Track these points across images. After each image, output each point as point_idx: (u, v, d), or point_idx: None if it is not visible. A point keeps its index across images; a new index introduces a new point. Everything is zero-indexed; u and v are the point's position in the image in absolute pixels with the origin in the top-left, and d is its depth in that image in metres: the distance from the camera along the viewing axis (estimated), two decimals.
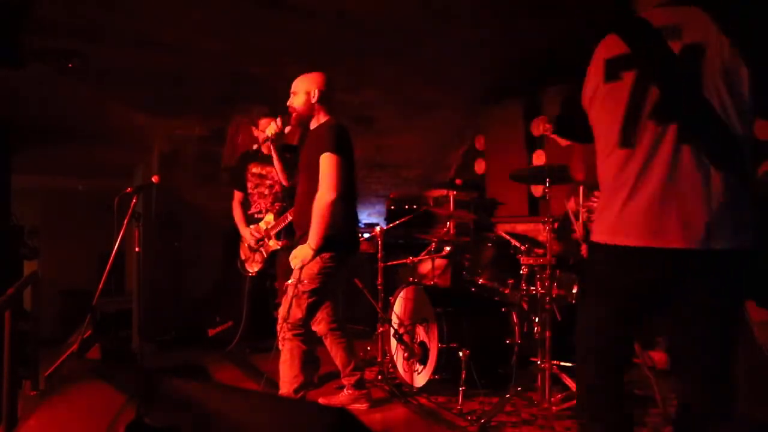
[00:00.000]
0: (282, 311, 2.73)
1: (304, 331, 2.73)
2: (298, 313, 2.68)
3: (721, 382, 1.52)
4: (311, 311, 2.75)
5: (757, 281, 1.59)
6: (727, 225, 1.44)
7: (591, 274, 1.74)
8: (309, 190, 2.69)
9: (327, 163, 2.59)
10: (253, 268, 3.74)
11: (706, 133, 1.45)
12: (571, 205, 3.84)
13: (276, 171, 3.16)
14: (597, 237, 1.65)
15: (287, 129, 2.88)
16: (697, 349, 1.53)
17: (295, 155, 3.08)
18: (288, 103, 2.80)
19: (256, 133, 3.77)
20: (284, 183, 3.16)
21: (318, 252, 2.62)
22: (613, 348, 1.67)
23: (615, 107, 1.56)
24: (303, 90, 2.76)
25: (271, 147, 2.99)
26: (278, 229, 3.56)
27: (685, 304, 1.52)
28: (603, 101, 1.61)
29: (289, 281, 2.70)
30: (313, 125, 2.82)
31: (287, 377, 2.71)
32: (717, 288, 1.48)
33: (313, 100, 2.75)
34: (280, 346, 2.75)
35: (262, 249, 3.67)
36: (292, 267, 2.69)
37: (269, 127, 2.90)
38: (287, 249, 3.59)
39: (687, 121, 1.47)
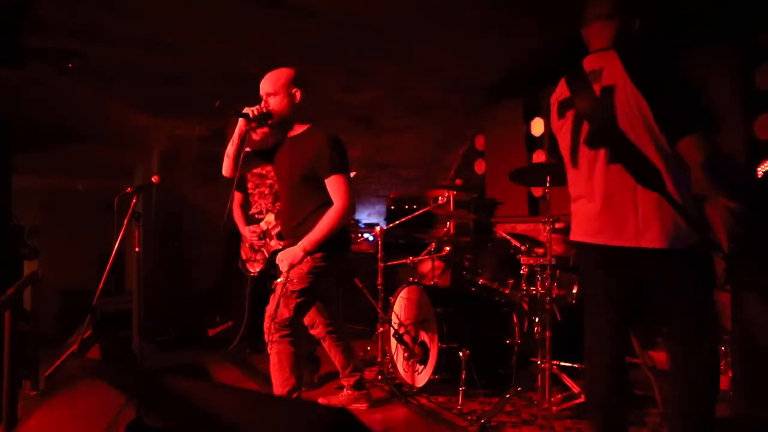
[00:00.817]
0: (269, 310, 2.66)
1: (290, 332, 2.64)
2: (285, 313, 2.61)
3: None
4: (299, 312, 2.67)
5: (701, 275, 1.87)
6: (654, 228, 1.79)
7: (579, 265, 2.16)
8: (303, 202, 2.64)
9: (338, 181, 2.56)
10: (254, 268, 3.74)
11: (625, 156, 1.83)
12: None
13: (225, 165, 2.73)
14: (573, 235, 2.08)
15: (267, 123, 2.64)
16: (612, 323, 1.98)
17: (263, 157, 2.87)
18: (266, 107, 2.60)
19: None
20: (227, 173, 2.74)
21: (307, 254, 2.57)
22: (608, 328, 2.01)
23: (565, 137, 2.01)
24: (283, 91, 2.60)
25: (240, 130, 2.63)
26: (279, 228, 3.56)
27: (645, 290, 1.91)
28: (558, 134, 2.07)
29: (278, 280, 2.65)
30: (292, 131, 2.70)
31: (278, 381, 2.65)
32: (653, 278, 1.86)
33: (296, 101, 2.62)
34: (268, 349, 2.67)
35: (263, 249, 3.67)
36: (280, 269, 2.64)
37: (251, 110, 2.58)
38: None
39: (609, 148, 1.87)
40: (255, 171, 3.75)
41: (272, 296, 2.68)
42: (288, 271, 2.59)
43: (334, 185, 2.57)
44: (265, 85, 2.63)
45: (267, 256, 3.66)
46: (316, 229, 2.55)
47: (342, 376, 3.10)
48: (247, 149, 2.76)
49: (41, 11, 3.43)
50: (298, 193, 2.68)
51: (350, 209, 2.58)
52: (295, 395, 2.67)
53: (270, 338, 2.65)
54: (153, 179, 3.32)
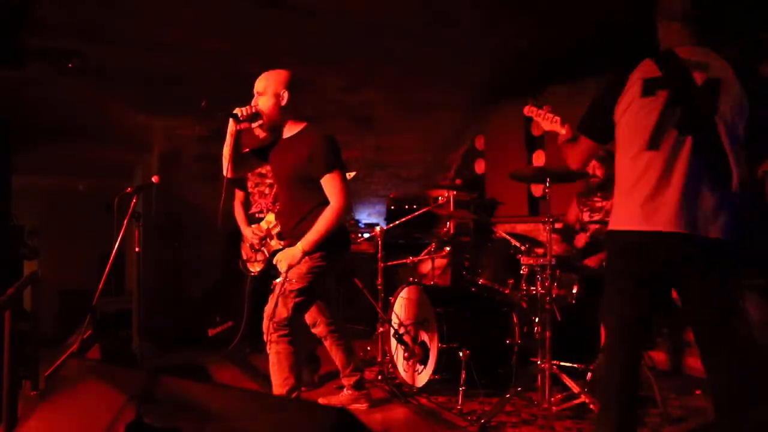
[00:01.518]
0: (268, 310, 2.65)
1: (289, 332, 2.63)
2: (283, 313, 2.59)
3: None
4: (297, 311, 2.65)
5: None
6: (717, 221, 1.83)
7: (614, 259, 2.04)
8: (300, 202, 2.65)
9: (334, 180, 2.56)
10: (255, 268, 3.74)
11: (711, 149, 1.86)
12: (571, 218, 3.85)
13: (224, 166, 2.71)
14: (621, 225, 1.97)
15: (256, 124, 2.62)
16: (708, 312, 1.90)
17: (260, 157, 2.84)
18: (253, 105, 2.61)
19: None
20: (227, 174, 2.71)
21: (306, 255, 2.57)
22: (635, 325, 1.97)
23: (647, 117, 1.92)
24: (271, 92, 2.60)
25: (231, 130, 2.62)
26: (280, 228, 3.56)
27: (693, 279, 1.90)
28: (637, 112, 1.95)
29: (277, 279, 2.65)
30: (286, 131, 2.69)
31: (277, 381, 2.64)
32: (712, 268, 1.87)
33: (283, 103, 2.60)
34: (267, 349, 2.66)
35: (264, 249, 3.67)
36: (279, 269, 2.64)
37: (241, 110, 2.59)
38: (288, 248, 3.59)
39: (699, 137, 1.86)
40: (256, 170, 3.74)
41: (271, 296, 2.67)
42: (286, 272, 2.59)
43: (329, 184, 2.57)
44: (257, 84, 2.64)
45: (267, 255, 3.66)
46: (313, 230, 2.55)
47: (342, 375, 3.10)
48: (246, 149, 2.78)
49: (41, 11, 3.43)
50: (295, 194, 2.68)
51: (347, 208, 2.59)
52: (294, 395, 2.67)
53: (269, 338, 2.64)
54: (153, 179, 3.31)
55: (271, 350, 2.65)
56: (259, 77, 2.65)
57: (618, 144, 2.03)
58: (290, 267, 2.58)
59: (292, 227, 2.69)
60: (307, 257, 2.57)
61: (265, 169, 3.71)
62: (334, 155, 2.59)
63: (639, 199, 1.91)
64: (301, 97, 2.68)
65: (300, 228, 2.63)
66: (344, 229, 2.80)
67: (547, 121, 2.50)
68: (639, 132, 1.94)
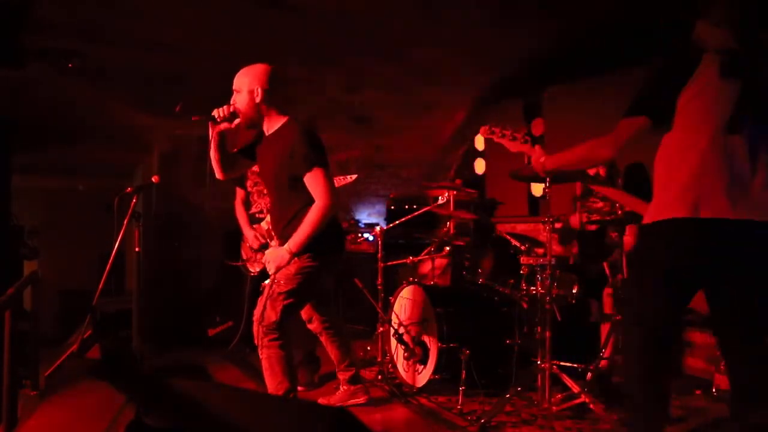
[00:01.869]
0: (257, 313, 2.57)
1: (279, 335, 2.53)
2: (272, 316, 2.51)
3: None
4: (286, 314, 2.55)
5: None
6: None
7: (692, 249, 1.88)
8: (285, 201, 2.60)
9: (316, 178, 2.46)
10: (255, 268, 3.74)
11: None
12: (575, 223, 3.84)
13: (214, 168, 2.75)
14: (686, 212, 1.82)
15: (234, 123, 2.58)
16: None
17: (246, 155, 2.82)
18: (231, 103, 2.56)
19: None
20: (218, 177, 2.78)
21: (294, 256, 2.50)
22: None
23: (726, 101, 1.84)
24: (245, 88, 2.53)
25: (212, 133, 2.61)
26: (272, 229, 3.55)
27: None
28: (715, 95, 1.86)
29: (266, 282, 2.59)
30: (268, 127, 2.62)
31: (272, 385, 2.56)
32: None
33: (257, 99, 2.52)
34: (259, 353, 2.59)
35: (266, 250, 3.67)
36: (268, 271, 2.58)
37: (218, 111, 2.56)
38: None
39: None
40: (254, 169, 3.73)
41: (260, 299, 2.60)
42: (275, 273, 2.52)
43: (312, 181, 2.47)
44: (234, 82, 2.59)
45: None
46: (299, 230, 2.47)
47: (338, 370, 3.10)
48: (235, 149, 2.75)
49: (41, 11, 3.43)
50: (283, 194, 2.61)
51: (332, 206, 2.48)
52: (291, 395, 2.61)
53: (259, 342, 2.56)
54: (153, 179, 3.31)
55: (263, 355, 2.57)
56: (237, 74, 2.60)
57: (683, 126, 1.91)
58: (278, 268, 2.51)
59: (282, 228, 2.63)
60: (296, 258, 2.50)
61: None
62: (315, 151, 2.48)
63: (715, 185, 1.81)
64: (282, 90, 2.61)
65: (289, 229, 2.56)
66: (337, 229, 2.73)
67: (512, 143, 2.38)
68: (713, 116, 1.85)
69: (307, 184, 2.48)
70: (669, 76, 1.95)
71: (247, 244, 3.76)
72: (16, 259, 5.08)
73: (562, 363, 3.05)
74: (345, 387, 3.09)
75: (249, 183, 3.75)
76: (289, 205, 2.59)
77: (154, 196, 5.01)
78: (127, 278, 7.06)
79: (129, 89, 4.50)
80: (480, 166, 6.09)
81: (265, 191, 3.67)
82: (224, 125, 2.56)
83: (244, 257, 3.82)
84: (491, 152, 5.92)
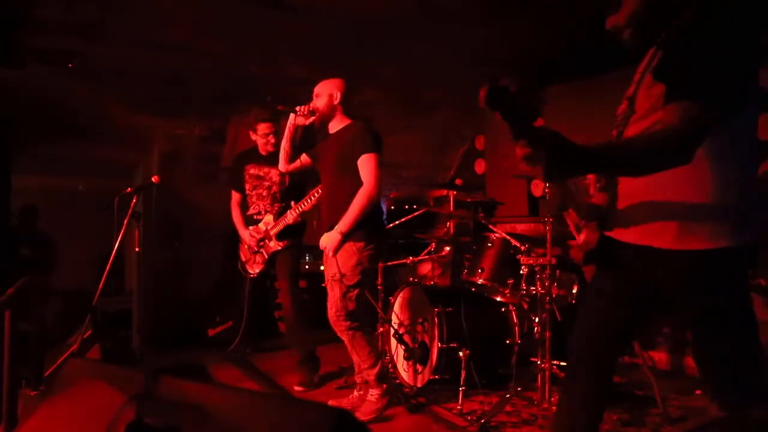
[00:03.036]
0: (332, 305, 2.87)
1: (360, 324, 2.90)
2: (349, 306, 2.86)
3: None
4: (359, 302, 2.91)
5: None
6: None
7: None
8: (342, 187, 2.88)
9: (370, 162, 2.81)
10: (254, 269, 3.74)
11: None
12: (573, 218, 3.83)
13: (280, 159, 3.19)
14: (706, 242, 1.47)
15: (309, 120, 3.01)
16: None
17: (310, 155, 3.19)
18: (311, 105, 2.99)
19: (253, 137, 3.77)
20: (281, 168, 3.24)
21: (346, 238, 2.77)
22: None
23: None
24: (326, 93, 2.98)
25: (290, 125, 3.06)
26: (278, 229, 3.56)
27: None
28: None
29: (333, 275, 2.85)
30: (333, 127, 3.02)
31: (362, 355, 2.91)
32: None
33: (336, 102, 2.97)
34: (341, 337, 2.93)
35: (262, 250, 3.67)
36: (325, 254, 2.88)
37: (301, 112, 3.00)
38: (288, 249, 3.60)
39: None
40: (252, 172, 3.75)
41: (330, 290, 2.90)
42: (338, 265, 2.82)
43: (365, 164, 2.81)
44: (316, 89, 3.03)
45: (266, 257, 3.66)
46: (348, 212, 2.79)
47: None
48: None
49: (41, 11, 3.43)
50: (341, 185, 2.89)
51: (379, 191, 2.82)
52: (386, 360, 3.14)
53: (340, 329, 2.90)
54: (153, 179, 3.32)
55: (346, 338, 2.92)
56: (318, 84, 3.04)
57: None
58: (335, 251, 2.80)
59: (336, 215, 2.86)
60: (353, 252, 2.81)
61: (263, 172, 3.73)
62: (374, 141, 2.85)
63: (717, 208, 1.45)
64: (351, 98, 3.08)
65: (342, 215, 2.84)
66: (379, 215, 3.00)
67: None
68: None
69: (359, 167, 2.82)
70: (744, 58, 1.53)
71: (245, 246, 3.77)
72: (16, 259, 5.07)
73: (562, 363, 3.06)
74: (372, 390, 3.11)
75: (248, 186, 3.76)
76: (346, 196, 2.85)
77: (154, 196, 5.00)
78: (127, 278, 7.07)
79: (129, 89, 4.49)
80: (480, 166, 6.08)
81: (263, 194, 3.72)
82: (301, 120, 3.00)
83: (243, 259, 3.83)
84: (491, 152, 5.92)
